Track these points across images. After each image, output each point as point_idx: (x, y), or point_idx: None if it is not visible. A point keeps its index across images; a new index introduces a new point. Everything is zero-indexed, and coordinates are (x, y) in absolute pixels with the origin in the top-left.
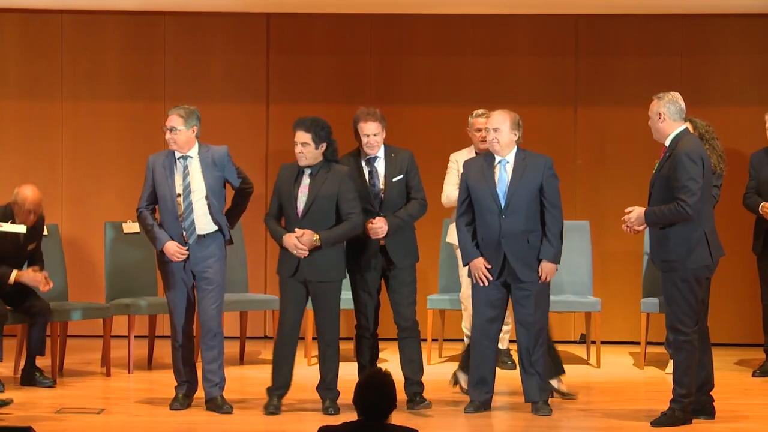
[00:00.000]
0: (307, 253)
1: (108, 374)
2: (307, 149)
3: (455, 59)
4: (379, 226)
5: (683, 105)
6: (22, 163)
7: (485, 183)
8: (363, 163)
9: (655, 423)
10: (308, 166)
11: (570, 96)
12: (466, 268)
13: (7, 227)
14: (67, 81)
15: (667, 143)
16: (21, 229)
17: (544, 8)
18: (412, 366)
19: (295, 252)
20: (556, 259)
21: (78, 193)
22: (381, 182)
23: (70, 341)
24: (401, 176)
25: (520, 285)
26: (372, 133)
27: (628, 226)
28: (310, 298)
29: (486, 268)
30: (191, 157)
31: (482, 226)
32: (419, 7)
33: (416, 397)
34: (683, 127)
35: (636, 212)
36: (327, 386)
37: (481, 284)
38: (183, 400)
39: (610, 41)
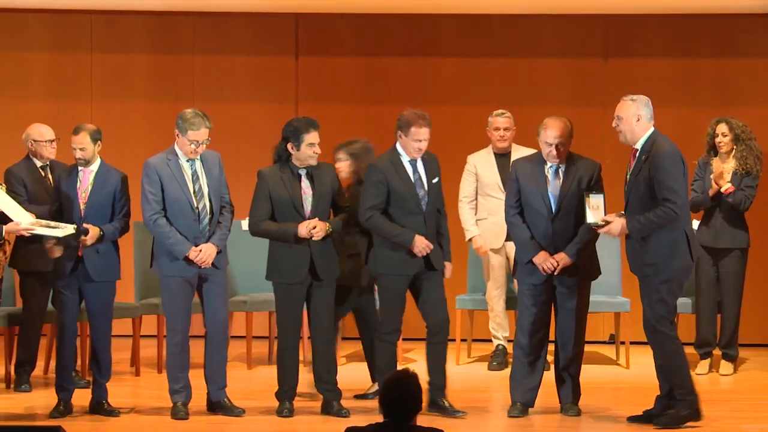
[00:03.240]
0: (322, 236)
1: (137, 374)
2: (319, 150)
3: (483, 60)
4: (423, 248)
5: (652, 108)
6: None
7: (536, 186)
8: (407, 165)
9: (658, 422)
10: (307, 167)
11: (598, 96)
12: (497, 268)
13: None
14: (95, 81)
15: (638, 146)
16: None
17: (572, 8)
18: (439, 371)
19: (309, 236)
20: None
21: None
22: (425, 184)
23: None
24: (437, 179)
25: (562, 289)
26: (424, 138)
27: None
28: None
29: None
30: (196, 159)
31: (531, 228)
32: (446, 7)
33: (440, 402)
34: (653, 129)
35: (617, 225)
36: (330, 387)
37: (550, 272)
38: (184, 409)
39: (638, 42)
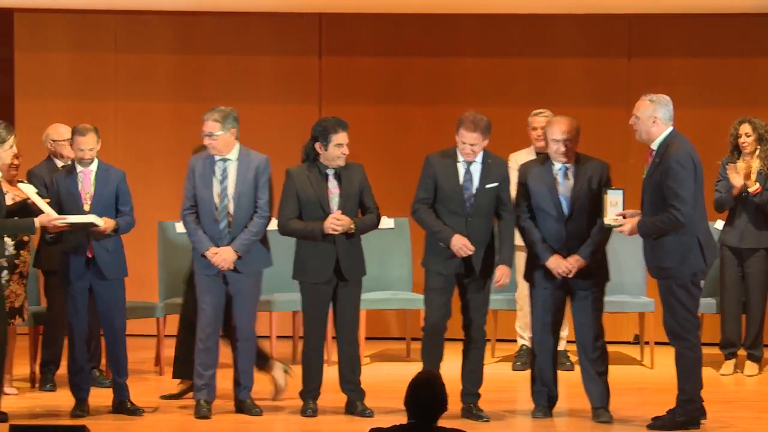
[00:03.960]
0: (340, 231)
1: (161, 373)
2: (347, 150)
3: (506, 60)
4: (469, 249)
5: (672, 109)
6: None
7: (546, 189)
8: (459, 165)
9: (652, 426)
10: (336, 167)
11: (622, 97)
12: (525, 267)
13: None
14: (118, 81)
15: (654, 147)
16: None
17: (596, 8)
18: (473, 376)
19: (331, 230)
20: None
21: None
22: (474, 187)
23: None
24: (495, 184)
25: (580, 289)
26: (470, 143)
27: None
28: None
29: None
30: (230, 160)
31: (543, 231)
32: (469, 7)
33: (473, 408)
34: (671, 129)
35: (629, 225)
36: (354, 387)
37: (564, 275)
38: (207, 406)
39: (662, 42)
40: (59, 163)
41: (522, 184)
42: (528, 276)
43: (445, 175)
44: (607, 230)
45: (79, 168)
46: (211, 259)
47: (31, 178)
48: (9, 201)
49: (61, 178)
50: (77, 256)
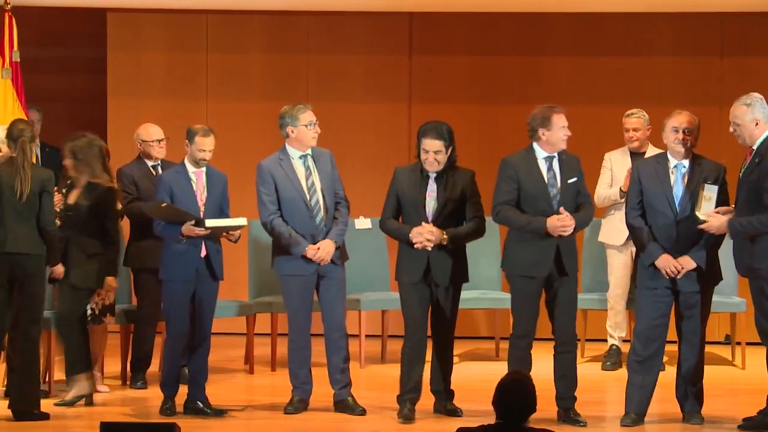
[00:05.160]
0: (431, 246)
1: (251, 372)
2: (440, 156)
3: (596, 59)
4: (568, 223)
5: None
6: None
7: (660, 187)
8: (541, 163)
9: (743, 426)
10: (431, 171)
11: (714, 96)
12: (621, 267)
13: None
14: (210, 81)
15: (755, 146)
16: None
17: (688, 6)
18: (566, 380)
19: (421, 245)
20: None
21: None
22: (558, 184)
23: (214, 338)
24: (575, 179)
25: (686, 294)
26: (567, 125)
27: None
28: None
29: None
30: (309, 155)
31: (654, 230)
32: (560, 6)
33: (570, 413)
34: None
35: (717, 222)
36: (443, 386)
37: (673, 276)
38: (298, 404)
39: (756, 40)
40: (149, 163)
41: (636, 181)
42: (638, 278)
43: (529, 174)
44: (719, 236)
45: (191, 169)
46: (314, 256)
47: (121, 177)
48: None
49: (173, 177)
50: (192, 256)
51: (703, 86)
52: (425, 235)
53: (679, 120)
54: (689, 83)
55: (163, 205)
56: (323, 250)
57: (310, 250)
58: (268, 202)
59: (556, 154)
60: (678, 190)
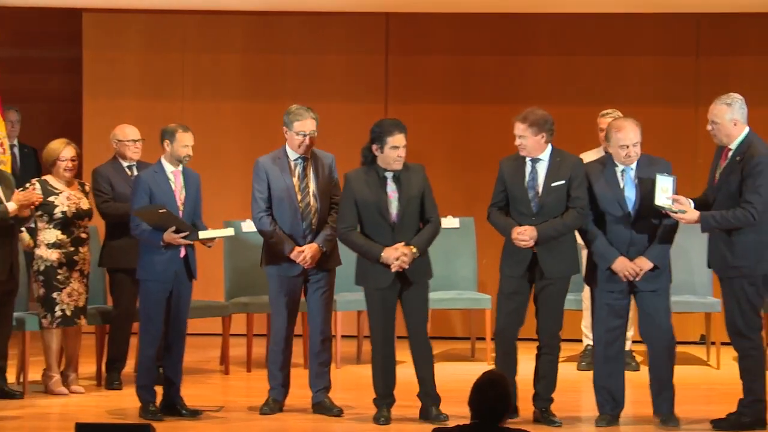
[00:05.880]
0: (406, 266)
1: (227, 372)
2: (404, 153)
3: (573, 58)
4: (523, 239)
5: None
6: None
7: (611, 191)
8: (527, 164)
9: (717, 426)
10: (393, 170)
11: (690, 96)
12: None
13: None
14: (188, 81)
15: (733, 146)
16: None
17: (665, 7)
18: (545, 382)
19: (396, 267)
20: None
21: None
22: (539, 185)
23: (190, 339)
24: (562, 182)
25: (644, 293)
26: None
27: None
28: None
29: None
30: (306, 158)
31: (608, 234)
32: (539, 6)
33: (545, 413)
34: (748, 129)
35: (692, 215)
36: (430, 391)
37: (632, 278)
38: (273, 405)
39: (732, 40)
40: (124, 164)
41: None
42: (588, 278)
43: (513, 176)
44: (671, 232)
45: (170, 168)
46: (297, 258)
47: (96, 176)
48: (65, 200)
49: (151, 177)
50: (173, 257)
51: (679, 86)
52: (401, 258)
53: (629, 138)
54: (665, 83)
55: (161, 211)
56: (307, 254)
57: (295, 252)
58: (260, 199)
59: (545, 156)
60: (629, 192)
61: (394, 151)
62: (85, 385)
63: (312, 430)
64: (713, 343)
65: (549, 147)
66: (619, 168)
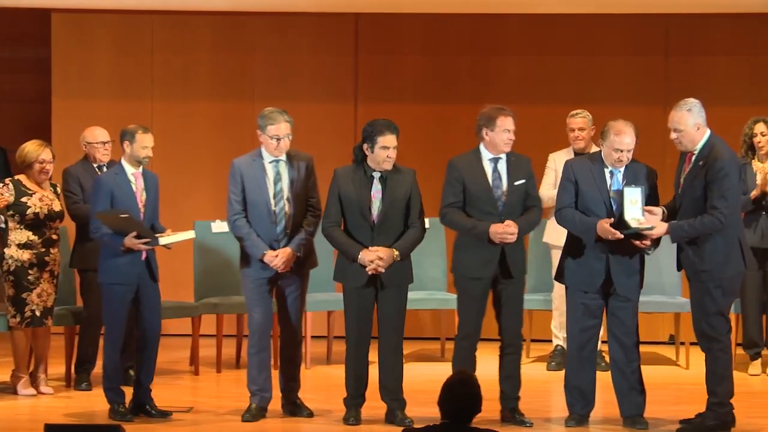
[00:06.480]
0: (383, 270)
1: (196, 373)
2: (394, 154)
3: (546, 59)
4: (511, 231)
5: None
6: None
7: (597, 189)
8: (486, 164)
9: (681, 429)
10: (382, 171)
11: (659, 95)
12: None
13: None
14: (157, 81)
15: (696, 150)
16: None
17: (634, 8)
18: (511, 381)
19: (371, 270)
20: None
21: (168, 193)
22: (504, 185)
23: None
24: (523, 181)
25: (617, 295)
26: (512, 128)
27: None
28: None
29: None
30: (282, 161)
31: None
32: (511, 6)
33: (515, 413)
34: (709, 132)
35: (660, 230)
36: (395, 395)
37: (616, 238)
38: (256, 412)
39: (701, 41)
40: (94, 165)
41: (570, 181)
42: (559, 276)
43: (473, 176)
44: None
45: (130, 170)
46: (271, 262)
47: (66, 177)
48: (37, 201)
49: (112, 179)
50: (135, 260)
51: (649, 86)
52: (376, 261)
53: (624, 142)
54: (635, 83)
55: (123, 216)
56: (281, 258)
57: (268, 256)
58: (234, 201)
59: (503, 156)
60: (614, 192)
61: (383, 152)
62: (54, 386)
63: (282, 431)
64: (682, 343)
65: None
66: (608, 169)
